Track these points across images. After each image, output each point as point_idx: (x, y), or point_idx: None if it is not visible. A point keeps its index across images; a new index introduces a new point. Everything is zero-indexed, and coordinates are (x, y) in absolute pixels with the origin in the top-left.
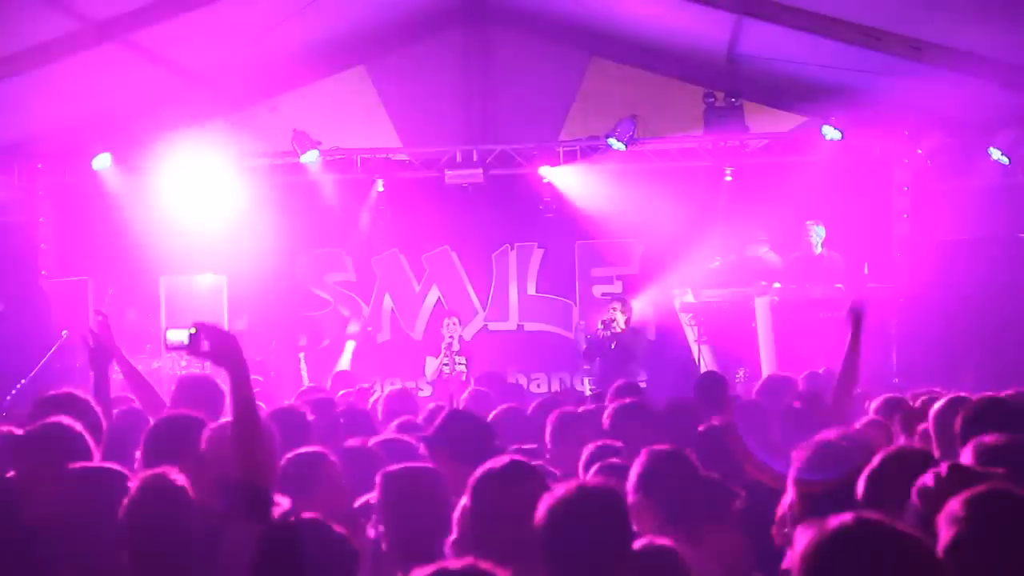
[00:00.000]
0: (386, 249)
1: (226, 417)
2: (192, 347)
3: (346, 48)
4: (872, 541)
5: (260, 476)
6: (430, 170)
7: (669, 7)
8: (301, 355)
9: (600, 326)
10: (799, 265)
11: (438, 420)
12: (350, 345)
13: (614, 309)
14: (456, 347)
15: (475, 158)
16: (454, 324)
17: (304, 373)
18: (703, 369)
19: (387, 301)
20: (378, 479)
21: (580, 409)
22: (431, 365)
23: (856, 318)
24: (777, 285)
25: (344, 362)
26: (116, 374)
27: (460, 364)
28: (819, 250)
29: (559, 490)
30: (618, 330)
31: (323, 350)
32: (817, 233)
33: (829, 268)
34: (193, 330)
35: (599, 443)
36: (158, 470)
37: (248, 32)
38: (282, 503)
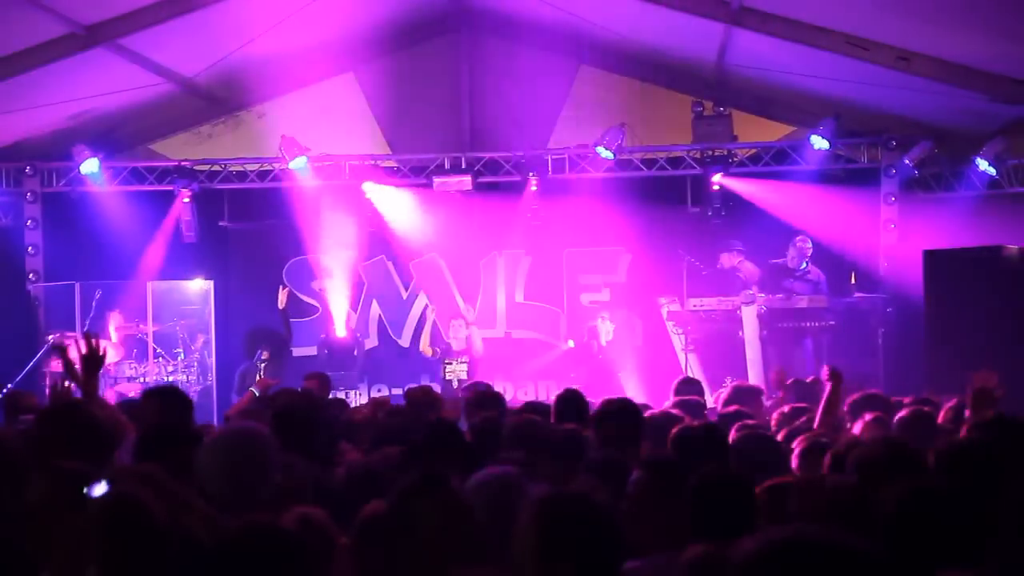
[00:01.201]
0: (374, 256)
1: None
2: None
3: (335, 54)
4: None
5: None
6: (418, 177)
7: (658, 16)
8: (261, 365)
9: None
10: (779, 273)
11: None
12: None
13: (602, 319)
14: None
15: (464, 165)
16: (459, 325)
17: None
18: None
19: (374, 308)
20: None
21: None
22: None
23: (835, 381)
24: (762, 296)
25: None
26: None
27: (462, 362)
28: (804, 265)
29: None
30: (603, 341)
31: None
32: (805, 249)
33: (808, 283)
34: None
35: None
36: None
37: (237, 38)
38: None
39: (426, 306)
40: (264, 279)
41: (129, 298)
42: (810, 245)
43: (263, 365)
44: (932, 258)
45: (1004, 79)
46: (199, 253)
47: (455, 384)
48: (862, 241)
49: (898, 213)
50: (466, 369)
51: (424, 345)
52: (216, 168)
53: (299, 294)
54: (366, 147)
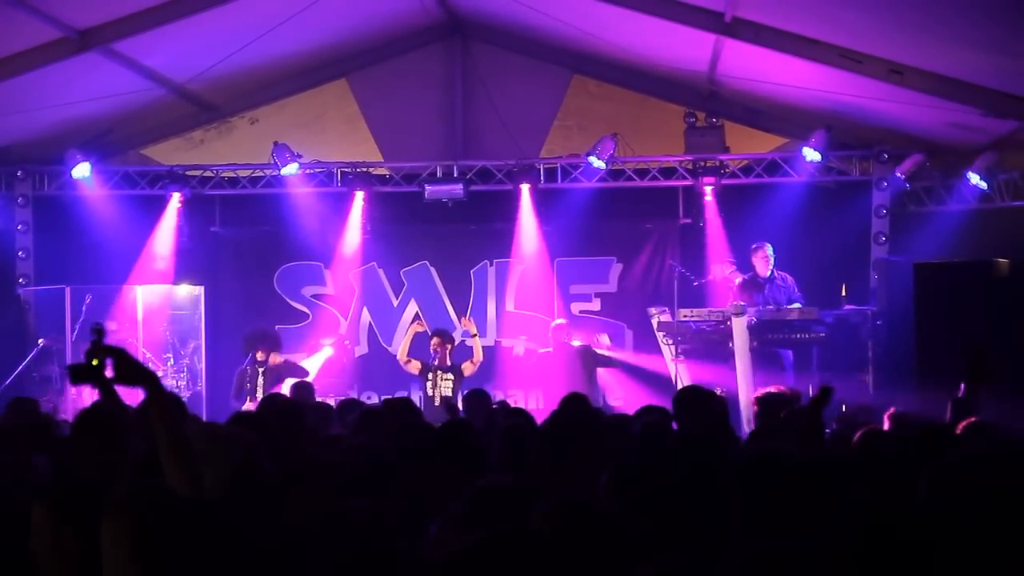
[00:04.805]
0: (365, 263)
1: None
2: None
3: (328, 61)
4: None
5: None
6: (410, 185)
7: (651, 27)
8: (260, 369)
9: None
10: (751, 287)
11: None
12: (323, 354)
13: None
14: (445, 362)
15: (456, 174)
16: (439, 343)
17: (260, 386)
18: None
19: (365, 315)
20: None
21: None
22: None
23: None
24: (753, 307)
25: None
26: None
27: (447, 378)
28: (769, 272)
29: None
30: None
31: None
32: (770, 256)
33: (782, 289)
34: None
35: None
36: None
37: (230, 44)
38: None
39: (416, 314)
40: (255, 285)
41: (119, 302)
42: (771, 251)
43: (262, 369)
44: (923, 271)
45: (996, 93)
46: (190, 258)
47: (437, 401)
48: (853, 254)
49: (889, 226)
50: (451, 385)
51: (402, 354)
52: (208, 174)
53: (290, 300)
54: (358, 154)
